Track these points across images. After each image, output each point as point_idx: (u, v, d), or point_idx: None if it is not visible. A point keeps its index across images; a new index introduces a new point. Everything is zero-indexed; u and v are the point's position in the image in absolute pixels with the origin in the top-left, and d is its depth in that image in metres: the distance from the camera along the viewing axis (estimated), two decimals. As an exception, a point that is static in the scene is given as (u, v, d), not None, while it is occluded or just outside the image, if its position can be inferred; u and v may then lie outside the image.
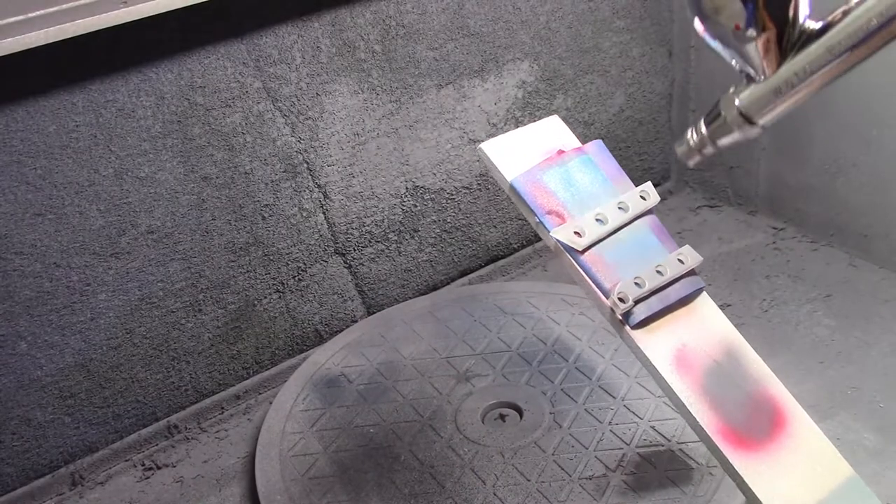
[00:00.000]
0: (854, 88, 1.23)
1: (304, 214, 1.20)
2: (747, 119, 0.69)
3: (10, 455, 1.06)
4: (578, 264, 0.77)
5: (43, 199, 0.98)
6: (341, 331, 1.27)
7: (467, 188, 1.34)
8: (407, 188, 1.28)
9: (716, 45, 0.68)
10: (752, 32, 0.65)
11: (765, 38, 0.65)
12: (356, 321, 1.30)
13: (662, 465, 0.95)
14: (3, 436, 1.04)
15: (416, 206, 1.30)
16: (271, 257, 1.18)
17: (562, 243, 0.78)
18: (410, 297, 1.34)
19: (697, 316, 0.79)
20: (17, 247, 0.98)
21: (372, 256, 1.29)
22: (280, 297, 1.21)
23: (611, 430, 1.00)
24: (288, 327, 1.24)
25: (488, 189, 1.37)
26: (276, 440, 1.05)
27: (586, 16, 1.37)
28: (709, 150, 0.74)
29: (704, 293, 0.82)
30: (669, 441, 0.98)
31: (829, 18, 0.64)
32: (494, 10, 1.27)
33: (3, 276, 0.98)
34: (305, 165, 1.17)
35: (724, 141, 0.72)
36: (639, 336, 0.76)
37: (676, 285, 0.78)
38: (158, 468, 1.11)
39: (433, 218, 1.33)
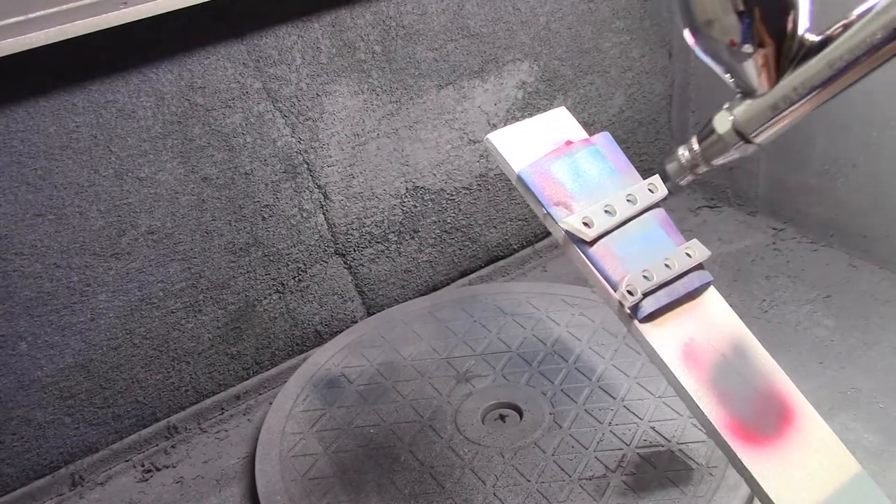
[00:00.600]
0: (853, 89, 1.23)
1: (304, 215, 1.20)
2: (743, 137, 0.67)
3: (11, 455, 1.06)
4: (586, 256, 0.77)
5: (43, 199, 0.98)
6: (341, 331, 1.27)
7: (467, 189, 1.35)
8: (407, 189, 1.28)
9: (707, 59, 0.65)
10: (748, 48, 0.62)
11: (762, 54, 0.62)
12: (356, 322, 1.30)
13: (662, 466, 0.95)
14: (4, 436, 1.04)
15: (416, 206, 1.30)
16: (271, 258, 1.18)
17: (570, 234, 0.77)
18: (410, 298, 1.34)
19: (705, 310, 0.79)
20: (17, 247, 0.98)
21: (372, 257, 1.29)
22: (280, 297, 1.21)
23: (611, 431, 1.00)
24: (288, 328, 1.24)
25: (488, 190, 1.37)
26: (276, 441, 1.05)
27: (586, 16, 1.37)
28: (702, 168, 0.71)
29: (712, 287, 0.81)
30: (669, 441, 0.98)
31: (829, 32, 0.62)
32: (494, 10, 1.27)
33: (4, 276, 0.98)
34: (305, 166, 1.18)
35: (719, 160, 0.69)
36: (647, 329, 0.75)
37: (684, 279, 0.77)
38: (158, 469, 1.11)
39: (433, 218, 1.33)
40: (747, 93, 0.66)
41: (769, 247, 1.40)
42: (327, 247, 1.24)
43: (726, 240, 1.43)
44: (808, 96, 0.63)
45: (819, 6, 0.65)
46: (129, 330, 1.09)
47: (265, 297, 1.20)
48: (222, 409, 1.20)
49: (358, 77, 1.18)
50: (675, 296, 0.77)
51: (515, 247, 1.45)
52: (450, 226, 1.35)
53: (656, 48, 1.48)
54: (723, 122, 0.67)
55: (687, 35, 0.65)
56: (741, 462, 0.71)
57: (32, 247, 0.99)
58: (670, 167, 0.74)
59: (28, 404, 1.05)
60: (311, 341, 1.27)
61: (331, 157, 1.19)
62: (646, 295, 0.75)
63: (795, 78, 0.63)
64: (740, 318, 1.20)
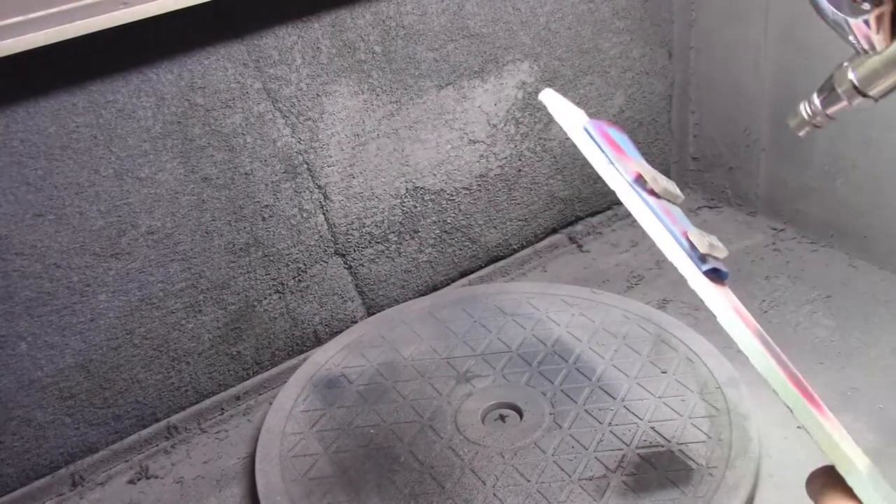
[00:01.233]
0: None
1: (304, 215, 1.20)
2: (860, 92, 0.70)
3: (10, 455, 1.06)
4: (650, 207, 0.76)
5: (43, 199, 0.98)
6: (341, 331, 1.27)
7: (467, 189, 1.35)
8: (407, 189, 1.28)
9: (830, 13, 0.67)
10: (866, 6, 0.64)
11: (880, 11, 0.64)
12: (356, 322, 1.30)
13: (662, 466, 0.95)
14: (4, 436, 1.04)
15: (416, 206, 1.30)
16: (271, 258, 1.18)
17: (638, 184, 0.76)
18: (410, 298, 1.34)
19: (730, 296, 0.79)
20: (17, 247, 0.98)
21: (372, 257, 1.29)
22: (280, 297, 1.21)
23: (611, 431, 1.00)
24: (288, 328, 1.24)
25: (488, 190, 1.37)
26: (276, 441, 1.05)
27: (586, 17, 1.37)
28: (820, 120, 0.74)
29: (727, 287, 0.82)
30: (669, 442, 0.98)
31: None
32: (494, 10, 1.27)
33: (4, 276, 0.98)
34: (305, 166, 1.18)
35: (835, 110, 0.73)
36: (709, 286, 0.75)
37: (720, 263, 0.79)
38: (158, 470, 1.11)
39: (433, 219, 1.33)
40: (865, 50, 0.68)
41: (769, 247, 1.40)
42: (327, 247, 1.24)
43: (726, 240, 1.41)
44: None
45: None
46: (129, 330, 1.09)
47: (265, 298, 1.20)
48: (222, 409, 1.20)
49: (358, 77, 1.18)
50: (722, 268, 0.77)
51: (515, 247, 1.45)
52: (450, 226, 1.35)
53: (656, 48, 1.48)
54: (842, 79, 0.70)
55: None
56: (817, 420, 0.67)
57: (32, 247, 0.99)
58: (792, 122, 0.76)
59: (28, 404, 1.05)
60: (311, 341, 1.27)
61: (331, 157, 1.19)
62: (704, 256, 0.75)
63: None
64: (741, 318, 1.18)
